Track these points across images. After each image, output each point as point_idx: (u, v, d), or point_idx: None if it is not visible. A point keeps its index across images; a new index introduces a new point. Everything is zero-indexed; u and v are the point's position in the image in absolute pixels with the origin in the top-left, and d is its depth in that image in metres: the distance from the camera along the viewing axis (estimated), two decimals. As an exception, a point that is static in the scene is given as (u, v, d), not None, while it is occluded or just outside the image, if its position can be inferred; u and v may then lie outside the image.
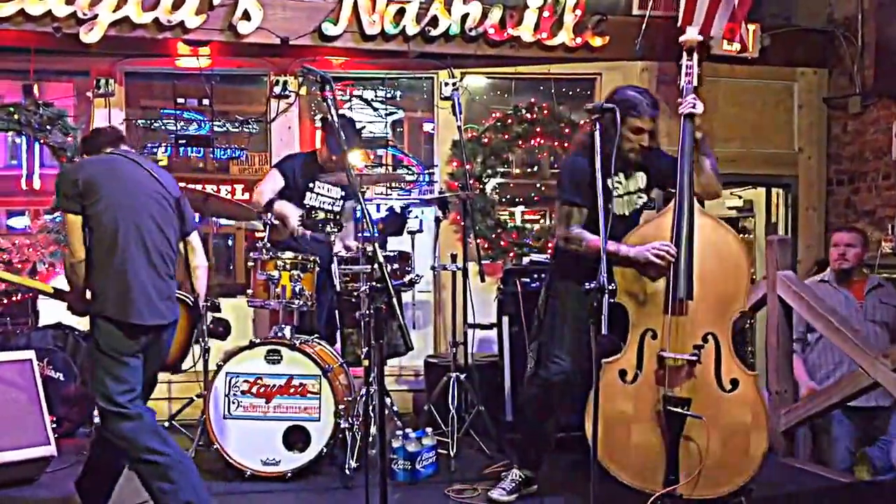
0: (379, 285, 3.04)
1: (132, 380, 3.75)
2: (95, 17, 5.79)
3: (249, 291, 5.16)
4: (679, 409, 3.95)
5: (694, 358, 3.95)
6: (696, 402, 3.96)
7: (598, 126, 3.81)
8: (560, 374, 4.18)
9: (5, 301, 5.89)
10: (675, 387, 4.00)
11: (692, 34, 4.29)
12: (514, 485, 4.36)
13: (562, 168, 4.63)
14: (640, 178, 4.35)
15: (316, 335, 5.28)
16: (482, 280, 5.53)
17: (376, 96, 7.24)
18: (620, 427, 4.07)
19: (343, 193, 5.77)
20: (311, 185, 5.67)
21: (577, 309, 4.09)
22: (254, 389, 4.73)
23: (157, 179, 3.87)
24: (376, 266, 3.05)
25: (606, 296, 3.47)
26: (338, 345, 5.76)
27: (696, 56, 4.25)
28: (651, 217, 4.26)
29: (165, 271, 3.83)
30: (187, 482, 3.69)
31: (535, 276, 5.47)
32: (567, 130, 6.86)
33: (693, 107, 4.14)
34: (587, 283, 3.52)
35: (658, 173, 4.31)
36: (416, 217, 6.88)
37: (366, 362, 4.66)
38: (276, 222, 5.29)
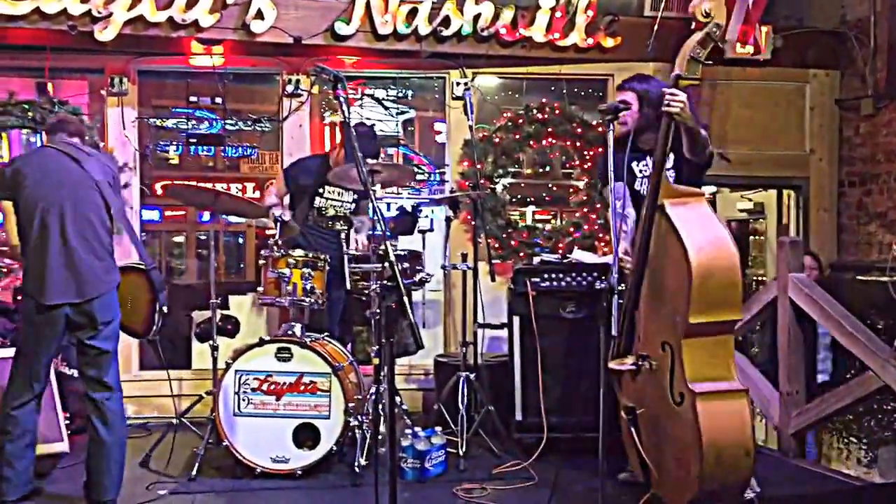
0: (390, 284, 3.05)
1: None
2: (110, 15, 5.81)
3: (260, 289, 5.18)
4: (624, 415, 4.00)
5: (632, 368, 3.89)
6: (653, 409, 3.91)
7: (611, 127, 3.81)
8: None
9: (19, 297, 5.91)
10: (629, 394, 4.03)
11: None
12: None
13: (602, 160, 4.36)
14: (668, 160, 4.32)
15: (326, 333, 5.29)
16: (492, 280, 5.54)
17: (388, 95, 7.26)
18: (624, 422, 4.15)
19: (355, 196, 5.80)
20: (321, 189, 5.70)
21: None
22: (264, 387, 4.75)
23: (82, 166, 4.13)
24: (387, 265, 3.06)
25: (615, 296, 3.49)
26: (348, 343, 5.78)
27: (699, 36, 3.84)
28: None
29: (89, 250, 4.06)
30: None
31: (546, 275, 5.47)
32: (579, 130, 6.85)
33: (668, 105, 3.79)
34: (598, 284, 3.54)
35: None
36: (427, 216, 6.90)
37: (376, 360, 4.67)
38: (294, 224, 5.32)
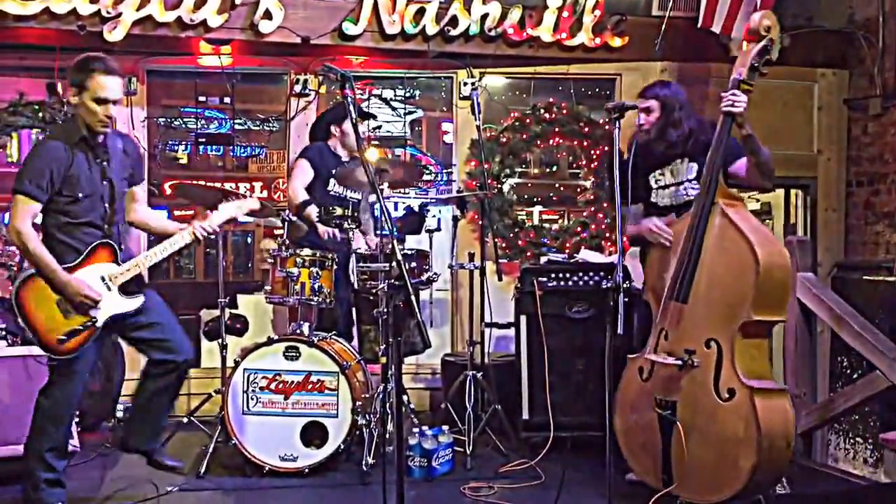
0: (397, 283, 3.06)
1: None
2: (119, 15, 5.84)
3: (268, 288, 5.19)
4: (661, 412, 3.97)
5: (679, 363, 3.90)
6: (690, 407, 3.90)
7: (617, 125, 3.83)
8: None
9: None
10: (666, 389, 3.99)
11: (756, 18, 3.99)
12: None
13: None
14: (688, 169, 4.36)
15: (334, 332, 5.31)
16: (499, 279, 5.55)
17: (395, 95, 7.27)
18: (632, 423, 4.14)
19: (361, 195, 5.81)
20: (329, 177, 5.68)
21: None
22: (272, 385, 4.77)
23: None
24: (394, 264, 3.07)
25: (622, 294, 3.49)
26: (355, 342, 5.79)
27: (756, 47, 3.93)
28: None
29: None
30: None
31: (553, 275, 5.48)
32: (586, 130, 6.85)
33: (731, 105, 3.93)
34: (603, 283, 3.55)
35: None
36: (435, 216, 6.91)
37: (383, 359, 4.68)
38: (301, 223, 5.30)
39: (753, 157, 4.08)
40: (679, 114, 4.32)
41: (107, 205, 3.91)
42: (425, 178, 7.28)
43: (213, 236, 4.25)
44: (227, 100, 6.97)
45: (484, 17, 6.41)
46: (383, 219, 3.12)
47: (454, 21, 6.36)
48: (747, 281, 3.77)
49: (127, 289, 3.92)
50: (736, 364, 3.80)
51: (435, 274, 5.39)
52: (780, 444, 3.75)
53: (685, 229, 4.01)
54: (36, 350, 5.00)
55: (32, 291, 3.74)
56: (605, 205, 6.84)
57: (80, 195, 3.82)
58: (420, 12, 6.32)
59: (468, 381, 5.28)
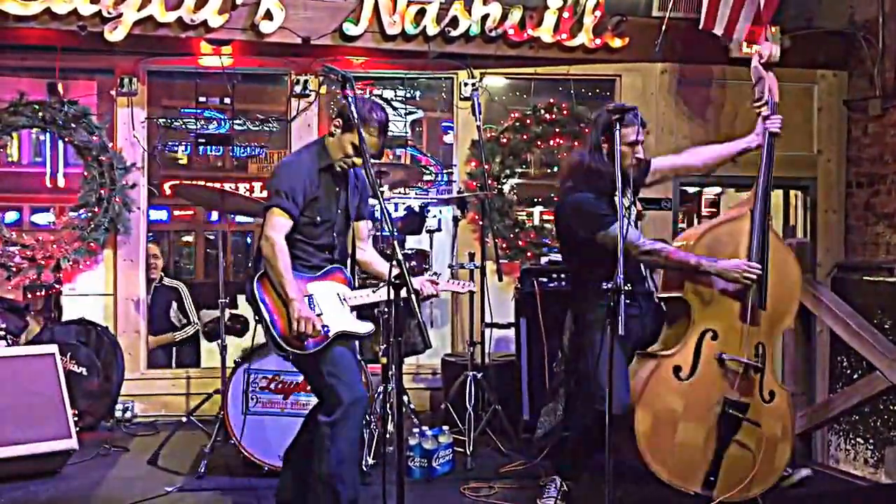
0: (398, 283, 3.06)
1: None
2: (120, 15, 5.84)
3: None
4: (738, 414, 3.99)
5: (756, 363, 4.03)
6: (751, 408, 4.03)
7: (617, 127, 3.83)
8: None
9: (29, 296, 5.96)
10: (739, 391, 4.02)
11: (767, 50, 4.38)
12: (559, 492, 4.30)
13: (582, 203, 4.15)
14: (629, 194, 4.25)
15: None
16: (500, 279, 5.56)
17: (396, 96, 7.27)
18: (667, 424, 4.03)
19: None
20: None
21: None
22: (272, 386, 4.76)
23: None
24: (395, 264, 3.07)
25: (623, 296, 3.49)
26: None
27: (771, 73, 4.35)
28: (724, 217, 4.34)
29: None
30: None
31: (553, 275, 5.48)
32: (586, 131, 6.83)
33: (779, 126, 4.28)
34: (604, 284, 3.53)
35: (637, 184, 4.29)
36: (435, 216, 6.91)
37: (384, 360, 4.68)
38: None
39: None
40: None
41: (335, 234, 3.90)
42: (426, 178, 7.28)
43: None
44: (227, 100, 6.96)
45: (484, 17, 6.41)
46: (383, 219, 3.11)
47: (455, 22, 6.36)
48: (795, 292, 4.20)
49: (360, 313, 3.90)
50: (774, 368, 4.13)
51: (435, 274, 5.38)
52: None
53: (730, 234, 4.15)
54: (36, 350, 5.05)
55: (273, 288, 3.68)
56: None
57: (319, 220, 3.81)
58: (421, 13, 6.32)
59: (468, 382, 5.28)
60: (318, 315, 3.67)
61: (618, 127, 3.84)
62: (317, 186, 3.77)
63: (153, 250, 6.74)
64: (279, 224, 3.68)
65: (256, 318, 3.74)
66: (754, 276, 3.97)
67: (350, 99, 3.41)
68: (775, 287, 4.08)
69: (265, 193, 4.03)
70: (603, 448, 4.09)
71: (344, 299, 3.83)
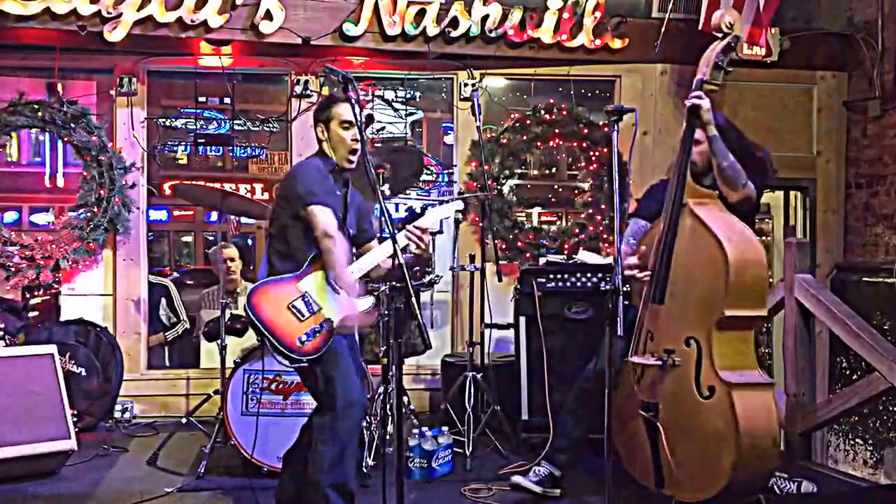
0: (398, 285, 3.06)
1: None
2: (119, 15, 5.84)
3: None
4: (644, 413, 3.95)
5: (659, 363, 3.89)
6: (672, 406, 3.89)
7: (616, 128, 3.83)
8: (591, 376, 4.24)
9: (27, 296, 5.96)
10: (647, 389, 3.98)
11: (717, 15, 3.95)
12: (541, 477, 4.37)
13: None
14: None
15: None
16: (499, 280, 5.57)
17: (396, 97, 7.27)
18: (628, 425, 4.10)
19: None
20: None
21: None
22: (272, 386, 4.76)
23: None
24: (395, 266, 3.07)
25: (621, 297, 3.50)
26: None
27: (722, 44, 3.94)
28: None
29: None
30: None
31: (552, 276, 5.49)
32: (586, 132, 6.86)
33: (691, 99, 3.91)
34: (602, 285, 3.56)
35: None
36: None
37: (384, 361, 4.68)
38: None
39: (714, 160, 3.98)
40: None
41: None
42: (426, 178, 7.28)
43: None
44: (227, 100, 6.96)
45: (484, 18, 6.41)
46: (383, 219, 3.11)
47: (455, 22, 6.36)
48: (719, 278, 3.78)
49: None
50: (715, 361, 3.79)
51: (436, 276, 5.39)
52: (763, 441, 3.71)
53: (658, 233, 4.02)
54: (34, 350, 5.04)
55: (265, 298, 3.66)
56: (602, 207, 6.85)
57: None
58: (421, 13, 6.32)
59: (468, 382, 5.29)
60: (319, 311, 3.67)
61: (616, 128, 3.85)
62: (331, 190, 3.79)
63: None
64: (327, 218, 3.67)
65: (258, 337, 3.71)
66: (632, 272, 3.99)
67: (352, 101, 3.41)
68: (691, 276, 3.88)
69: (280, 202, 3.90)
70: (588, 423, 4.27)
71: (335, 282, 3.76)
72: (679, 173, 3.95)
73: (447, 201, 4.07)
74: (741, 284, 3.78)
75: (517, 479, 4.39)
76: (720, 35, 3.93)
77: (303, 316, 3.65)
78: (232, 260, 6.28)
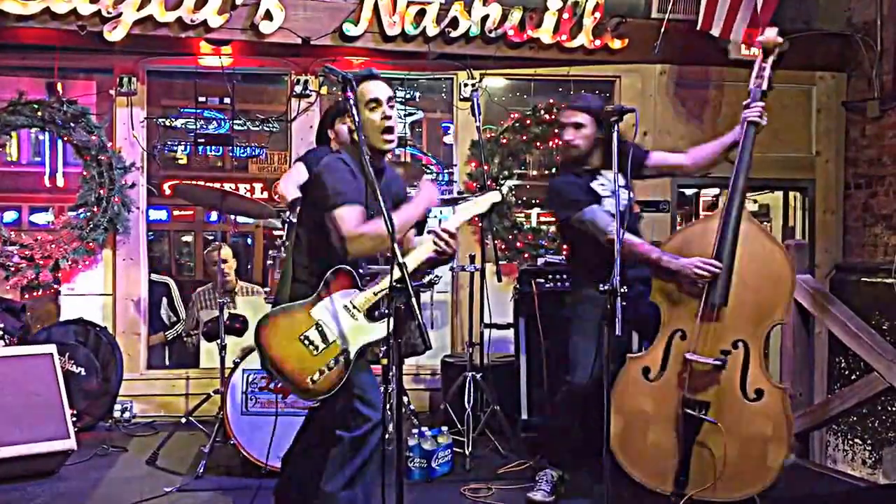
0: (398, 285, 3.06)
1: None
2: (119, 15, 5.84)
3: (268, 289, 5.20)
4: (694, 412, 3.96)
5: (719, 363, 3.94)
6: (717, 407, 3.96)
7: (615, 127, 3.85)
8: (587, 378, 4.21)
9: (27, 296, 5.96)
10: (697, 390, 3.99)
11: (772, 34, 4.13)
12: (551, 485, 4.37)
13: (559, 186, 4.41)
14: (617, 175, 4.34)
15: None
16: (499, 280, 5.57)
17: (396, 97, 7.23)
18: (638, 425, 4.08)
19: None
20: None
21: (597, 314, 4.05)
22: (271, 385, 4.75)
23: None
24: (396, 266, 3.06)
25: (619, 298, 3.50)
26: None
27: (771, 59, 4.13)
28: (701, 219, 4.29)
29: None
30: None
31: (551, 276, 5.50)
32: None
33: (759, 115, 4.05)
34: (602, 286, 3.55)
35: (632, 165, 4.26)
36: (436, 217, 6.91)
37: (384, 361, 4.67)
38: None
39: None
40: (602, 129, 4.28)
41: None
42: (426, 178, 7.27)
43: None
44: (227, 100, 6.96)
45: (484, 18, 6.42)
46: (384, 219, 3.10)
47: (455, 22, 6.37)
48: (783, 287, 4.01)
49: (373, 314, 3.50)
50: (761, 365, 3.97)
51: (437, 276, 5.39)
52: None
53: (702, 233, 4.07)
54: (34, 350, 5.04)
55: (273, 331, 3.39)
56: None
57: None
58: (421, 14, 6.33)
59: (467, 382, 5.29)
60: (333, 342, 3.38)
61: (616, 128, 3.86)
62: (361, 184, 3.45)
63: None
64: (351, 216, 3.34)
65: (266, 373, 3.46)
66: (707, 273, 3.94)
67: (351, 100, 3.39)
68: (750, 280, 3.99)
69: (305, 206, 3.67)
70: (579, 429, 4.29)
71: (354, 307, 3.46)
72: (743, 178, 4.04)
73: (477, 196, 3.89)
74: (792, 294, 4.08)
75: (534, 496, 4.35)
76: (772, 52, 4.15)
77: (316, 350, 3.37)
78: (225, 261, 6.32)
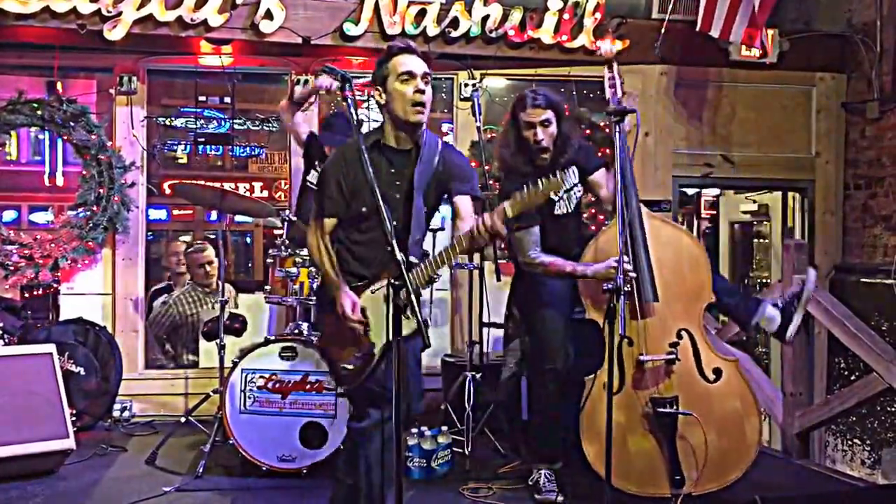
0: (397, 283, 3.05)
1: None
2: (119, 14, 5.84)
3: (267, 288, 5.20)
4: (668, 409, 3.97)
5: (672, 356, 4.00)
6: (685, 398, 3.99)
7: (617, 128, 3.85)
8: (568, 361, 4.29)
9: (27, 295, 5.95)
10: (661, 387, 4.02)
11: (606, 47, 4.29)
12: (554, 483, 4.37)
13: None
14: (573, 173, 4.36)
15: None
16: (498, 279, 5.57)
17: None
18: (615, 439, 3.97)
19: None
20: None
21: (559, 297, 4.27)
22: (270, 385, 4.75)
23: None
24: (394, 264, 3.06)
25: (623, 296, 3.50)
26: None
27: (616, 68, 4.35)
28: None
29: None
30: None
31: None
32: (587, 132, 6.85)
33: (622, 121, 4.00)
34: (604, 286, 3.56)
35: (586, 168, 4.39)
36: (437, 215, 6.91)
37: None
38: (302, 223, 5.22)
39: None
40: (568, 123, 4.34)
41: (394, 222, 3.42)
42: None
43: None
44: (227, 100, 6.96)
45: (485, 18, 6.41)
46: (382, 218, 3.09)
47: (455, 22, 6.36)
48: (702, 269, 4.16)
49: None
50: (707, 345, 4.09)
51: (436, 274, 5.37)
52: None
53: (612, 240, 3.94)
54: (33, 350, 5.04)
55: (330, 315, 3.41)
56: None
57: (364, 209, 3.45)
58: (421, 13, 6.32)
59: (467, 382, 5.29)
60: (366, 332, 3.35)
61: (617, 129, 3.86)
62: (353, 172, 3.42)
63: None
64: (313, 226, 3.52)
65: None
66: (624, 265, 3.81)
67: (349, 101, 3.38)
68: (670, 270, 4.11)
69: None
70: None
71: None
72: (630, 179, 4.06)
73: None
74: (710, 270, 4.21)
75: (545, 498, 4.34)
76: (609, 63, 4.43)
77: (353, 340, 3.37)
78: (210, 263, 6.39)
